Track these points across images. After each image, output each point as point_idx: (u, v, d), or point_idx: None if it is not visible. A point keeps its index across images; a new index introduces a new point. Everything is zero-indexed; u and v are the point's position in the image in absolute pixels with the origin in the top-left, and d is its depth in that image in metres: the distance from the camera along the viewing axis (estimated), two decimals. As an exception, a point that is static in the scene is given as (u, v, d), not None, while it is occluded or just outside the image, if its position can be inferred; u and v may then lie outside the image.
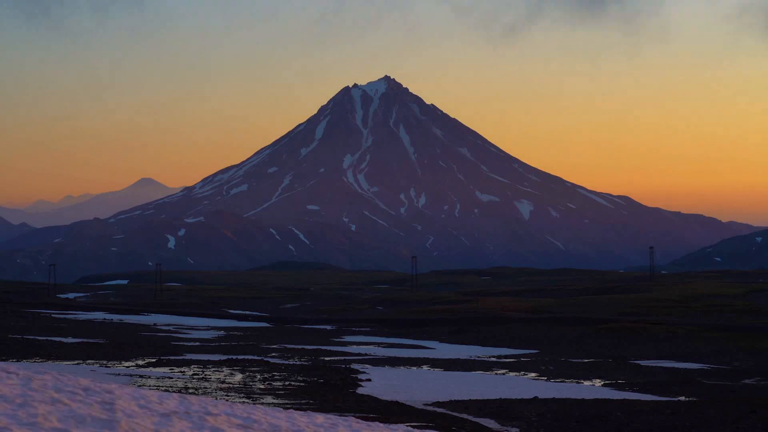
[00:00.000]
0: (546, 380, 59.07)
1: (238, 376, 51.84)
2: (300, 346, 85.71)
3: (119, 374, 50.20)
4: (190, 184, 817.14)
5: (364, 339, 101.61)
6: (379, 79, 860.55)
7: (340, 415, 30.57)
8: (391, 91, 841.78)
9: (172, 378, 49.47)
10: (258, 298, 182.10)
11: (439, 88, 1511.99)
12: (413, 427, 31.50)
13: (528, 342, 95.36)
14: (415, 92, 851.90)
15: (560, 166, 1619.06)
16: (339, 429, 23.82)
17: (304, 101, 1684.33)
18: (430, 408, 41.52)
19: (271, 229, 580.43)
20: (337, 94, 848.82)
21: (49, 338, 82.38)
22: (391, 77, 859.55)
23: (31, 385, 21.81)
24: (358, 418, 31.05)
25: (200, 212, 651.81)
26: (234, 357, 68.06)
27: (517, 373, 63.44)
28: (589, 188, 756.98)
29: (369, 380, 53.86)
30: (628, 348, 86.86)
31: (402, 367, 66.22)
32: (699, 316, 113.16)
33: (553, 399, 44.59)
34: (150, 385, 43.41)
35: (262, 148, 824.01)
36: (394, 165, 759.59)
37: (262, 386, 46.52)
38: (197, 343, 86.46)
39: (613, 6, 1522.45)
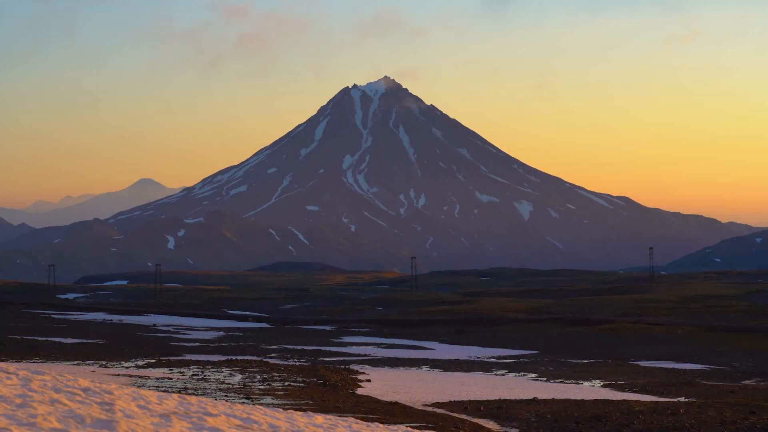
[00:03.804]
0: (545, 381, 59.09)
1: (238, 377, 51.83)
2: (299, 347, 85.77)
3: (119, 375, 50.20)
4: (189, 184, 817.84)
5: (364, 340, 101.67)
6: (378, 80, 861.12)
7: (340, 416, 30.59)
8: (391, 92, 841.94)
9: (171, 378, 49.46)
10: (258, 299, 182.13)
11: (439, 88, 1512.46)
12: (413, 427, 31.52)
13: (527, 342, 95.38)
14: (414, 93, 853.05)
15: (560, 166, 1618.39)
16: (338, 429, 23.83)
17: (304, 102, 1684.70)
18: (430, 409, 41.54)
19: (270, 230, 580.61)
20: (336, 95, 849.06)
21: (48, 339, 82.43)
22: (391, 77, 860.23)
23: (31, 386, 21.82)
24: (357, 418, 31.07)
25: (200, 213, 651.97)
26: (233, 357, 68.10)
27: (517, 374, 63.45)
28: (588, 189, 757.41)
29: (368, 381, 53.87)
30: (627, 348, 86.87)
31: (401, 368, 66.25)
32: (698, 316, 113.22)
33: (553, 400, 44.60)
34: (149, 386, 43.41)
35: (261, 149, 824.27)
36: (394, 165, 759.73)
37: (261, 387, 46.51)
38: (197, 344, 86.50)
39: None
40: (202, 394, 40.27)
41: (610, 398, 46.41)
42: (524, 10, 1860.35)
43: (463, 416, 39.19)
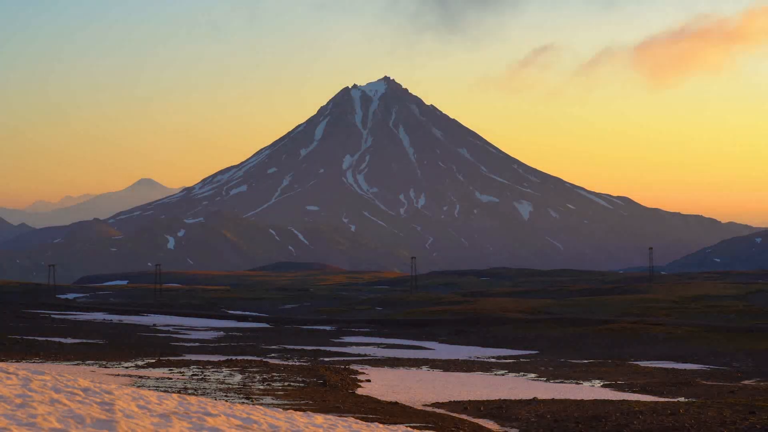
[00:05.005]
0: (545, 381, 59.09)
1: (238, 377, 51.83)
2: (299, 347, 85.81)
3: (119, 375, 50.19)
4: (189, 184, 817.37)
5: (364, 340, 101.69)
6: (378, 80, 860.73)
7: (340, 416, 30.59)
8: (391, 92, 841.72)
9: (171, 379, 49.45)
10: (257, 299, 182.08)
11: (439, 88, 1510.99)
12: (412, 427, 31.51)
13: (527, 343, 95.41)
14: (414, 93, 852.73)
15: (560, 166, 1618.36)
16: (338, 429, 23.82)
17: (304, 102, 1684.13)
18: (430, 409, 41.54)
19: (270, 230, 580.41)
20: (336, 95, 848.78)
21: (48, 339, 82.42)
22: (391, 78, 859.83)
23: (31, 386, 21.82)
24: (357, 418, 31.07)
25: (200, 213, 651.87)
26: (233, 358, 68.14)
27: (517, 374, 63.44)
28: (588, 189, 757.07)
29: (368, 381, 53.87)
30: (627, 349, 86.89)
31: (401, 368, 66.26)
32: (698, 316, 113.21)
33: (553, 400, 44.60)
34: (149, 386, 43.40)
35: (261, 149, 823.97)
36: (394, 165, 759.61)
37: (261, 387, 46.51)
38: (197, 344, 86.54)
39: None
40: (202, 394, 40.26)
41: (610, 398, 46.42)
42: (526, 9, 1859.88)
43: (463, 416, 39.19)
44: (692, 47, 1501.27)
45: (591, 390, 53.25)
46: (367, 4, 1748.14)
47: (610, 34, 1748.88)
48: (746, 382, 59.11)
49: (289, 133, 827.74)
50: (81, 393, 21.82)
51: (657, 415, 37.04)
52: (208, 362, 61.99)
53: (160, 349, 75.14)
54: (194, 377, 50.75)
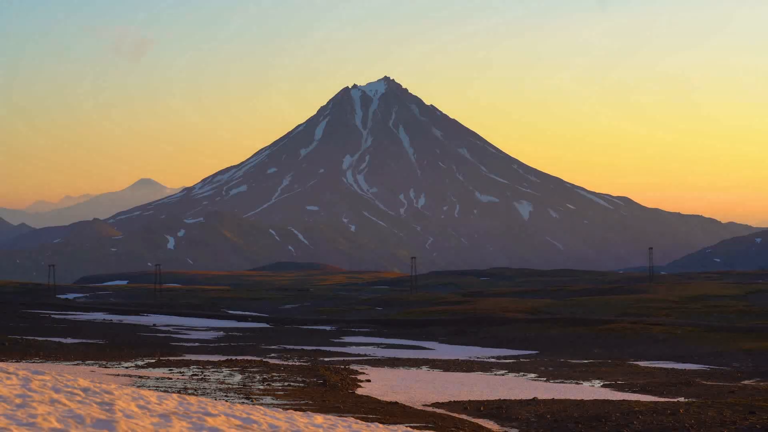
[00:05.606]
0: (545, 381, 59.07)
1: (238, 377, 51.81)
2: (299, 347, 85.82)
3: (118, 375, 50.15)
4: (189, 184, 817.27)
5: (364, 340, 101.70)
6: (378, 80, 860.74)
7: (340, 416, 30.58)
8: (391, 92, 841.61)
9: (171, 378, 49.41)
10: (257, 299, 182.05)
11: (439, 88, 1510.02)
12: (412, 427, 31.51)
13: (527, 343, 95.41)
14: (414, 93, 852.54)
15: (560, 166, 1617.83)
16: (338, 429, 23.81)
17: (304, 102, 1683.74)
18: (429, 409, 41.52)
19: (270, 230, 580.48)
20: (336, 95, 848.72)
21: (48, 338, 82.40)
22: (391, 78, 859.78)
23: (31, 386, 21.82)
24: (357, 418, 31.06)
25: (200, 213, 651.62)
26: (233, 357, 68.13)
27: (517, 374, 63.43)
28: (588, 189, 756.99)
29: (368, 381, 53.85)
30: (627, 349, 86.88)
31: (401, 368, 66.26)
32: (698, 316, 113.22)
33: (552, 400, 44.57)
34: (149, 386, 43.36)
35: (261, 149, 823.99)
36: (394, 166, 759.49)
37: (261, 387, 46.48)
38: (196, 344, 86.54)
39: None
40: (202, 394, 40.23)
41: (610, 398, 46.40)
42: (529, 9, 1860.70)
43: (463, 416, 39.17)
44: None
45: (591, 390, 53.23)
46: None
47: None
48: (746, 382, 59.10)
49: (289, 133, 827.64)
50: (81, 393, 21.81)
51: (657, 415, 37.04)
52: (208, 362, 61.96)
53: (160, 349, 75.12)
54: (194, 377, 50.71)
